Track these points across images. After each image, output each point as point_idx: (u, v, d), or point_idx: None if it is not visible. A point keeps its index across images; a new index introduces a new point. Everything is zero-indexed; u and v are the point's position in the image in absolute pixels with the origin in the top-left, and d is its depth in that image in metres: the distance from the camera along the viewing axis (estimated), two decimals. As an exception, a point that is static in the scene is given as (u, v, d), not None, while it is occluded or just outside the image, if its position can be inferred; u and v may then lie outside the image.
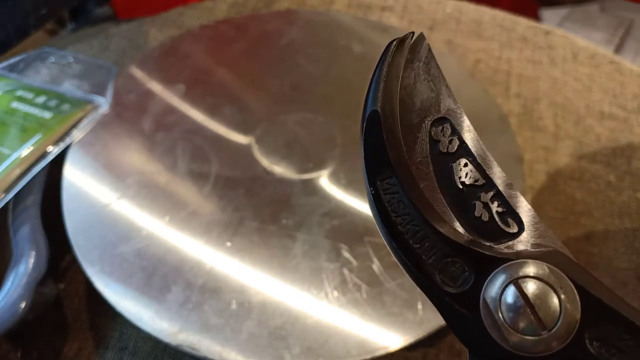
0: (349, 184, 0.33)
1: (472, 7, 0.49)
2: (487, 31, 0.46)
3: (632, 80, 0.43)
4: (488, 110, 0.38)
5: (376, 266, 0.30)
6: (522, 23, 0.47)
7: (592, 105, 0.41)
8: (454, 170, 0.15)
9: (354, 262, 0.30)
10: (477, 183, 0.15)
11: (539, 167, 0.38)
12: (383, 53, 0.16)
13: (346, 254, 0.30)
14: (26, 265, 0.28)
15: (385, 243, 0.15)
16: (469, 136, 0.16)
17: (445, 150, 0.16)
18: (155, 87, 0.39)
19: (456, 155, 0.15)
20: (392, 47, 0.16)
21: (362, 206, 0.33)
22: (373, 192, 0.15)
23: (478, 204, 0.15)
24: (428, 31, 0.46)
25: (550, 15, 0.94)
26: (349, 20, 0.45)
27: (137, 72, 0.40)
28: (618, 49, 0.87)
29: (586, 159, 0.38)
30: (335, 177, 0.34)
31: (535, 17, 0.93)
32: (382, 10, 0.48)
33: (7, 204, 0.31)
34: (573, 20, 0.93)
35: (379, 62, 0.16)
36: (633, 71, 0.43)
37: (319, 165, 0.34)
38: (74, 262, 0.31)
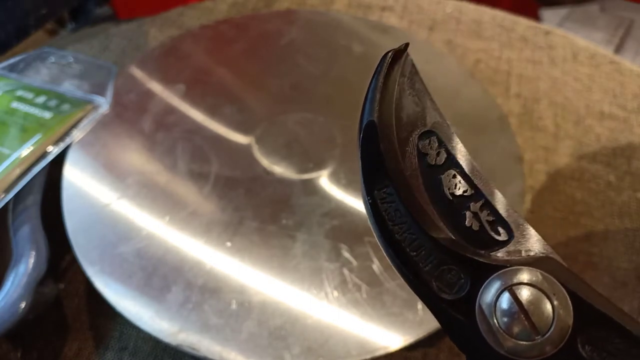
0: (349, 184, 0.33)
1: (472, 7, 0.49)
2: (487, 31, 0.46)
3: (632, 80, 0.43)
4: (488, 110, 0.38)
5: (376, 266, 0.30)
6: (522, 23, 0.47)
7: (592, 105, 0.41)
8: (443, 181, 0.16)
9: (354, 262, 0.30)
10: (466, 193, 0.16)
11: (539, 167, 0.38)
12: (379, 64, 0.16)
13: (346, 254, 0.30)
14: (26, 265, 0.28)
15: (383, 251, 0.15)
16: (456, 148, 0.16)
17: (434, 163, 0.16)
18: (155, 87, 0.39)
19: (444, 167, 0.16)
20: (388, 59, 0.16)
21: (362, 206, 0.32)
22: (370, 201, 0.15)
23: (468, 214, 0.15)
24: (428, 31, 0.46)
25: (550, 15, 0.94)
26: (349, 20, 0.45)
27: (137, 72, 0.40)
28: (618, 49, 0.87)
29: (586, 159, 0.38)
30: (335, 177, 0.34)
31: (535, 17, 0.93)
32: (382, 10, 0.48)
33: (7, 204, 0.31)
34: (573, 20, 0.93)
35: (374, 73, 0.16)
36: (633, 71, 0.43)
37: (319, 165, 0.34)
38: (74, 262, 0.31)
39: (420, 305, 0.28)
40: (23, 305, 0.27)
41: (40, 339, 0.30)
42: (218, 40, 0.43)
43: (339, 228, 0.31)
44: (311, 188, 0.33)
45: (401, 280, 0.29)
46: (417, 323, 0.28)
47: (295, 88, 0.39)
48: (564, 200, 0.36)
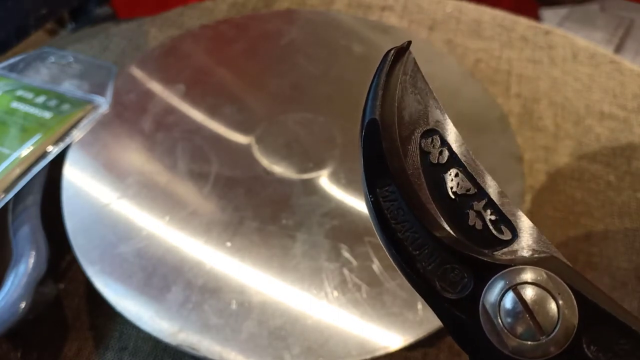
0: (349, 184, 0.33)
1: (472, 7, 0.49)
2: (487, 31, 0.46)
3: (632, 80, 0.43)
4: (488, 110, 0.38)
5: (376, 266, 0.30)
6: (522, 23, 0.47)
7: (592, 105, 0.41)
8: (446, 180, 0.16)
9: (354, 262, 0.30)
10: (468, 192, 0.15)
11: (539, 167, 0.38)
12: (381, 62, 0.16)
13: (346, 254, 0.30)
14: (26, 265, 0.28)
15: (385, 250, 0.15)
16: (458, 147, 0.16)
17: (436, 162, 0.16)
18: (155, 87, 0.39)
19: (447, 166, 0.16)
20: (390, 57, 0.16)
21: (362, 206, 0.33)
22: (372, 199, 0.15)
23: (471, 213, 0.15)
24: (428, 31, 0.46)
25: (550, 15, 0.94)
26: (349, 20, 0.45)
27: (137, 72, 0.40)
28: (618, 49, 0.87)
29: (586, 159, 0.38)
30: (335, 177, 0.34)
31: (535, 17, 0.93)
32: (382, 10, 0.48)
33: (7, 204, 0.31)
34: (573, 20, 0.93)
35: (376, 71, 0.16)
36: (633, 71, 0.43)
37: (319, 165, 0.34)
38: (74, 262, 0.31)
39: (420, 305, 0.28)
40: (23, 305, 0.27)
41: (40, 339, 0.30)
42: (218, 40, 0.43)
43: (339, 228, 0.31)
44: (311, 188, 0.33)
45: (401, 280, 0.29)
46: (417, 323, 0.28)
47: (295, 88, 0.39)
48: (564, 200, 0.36)
